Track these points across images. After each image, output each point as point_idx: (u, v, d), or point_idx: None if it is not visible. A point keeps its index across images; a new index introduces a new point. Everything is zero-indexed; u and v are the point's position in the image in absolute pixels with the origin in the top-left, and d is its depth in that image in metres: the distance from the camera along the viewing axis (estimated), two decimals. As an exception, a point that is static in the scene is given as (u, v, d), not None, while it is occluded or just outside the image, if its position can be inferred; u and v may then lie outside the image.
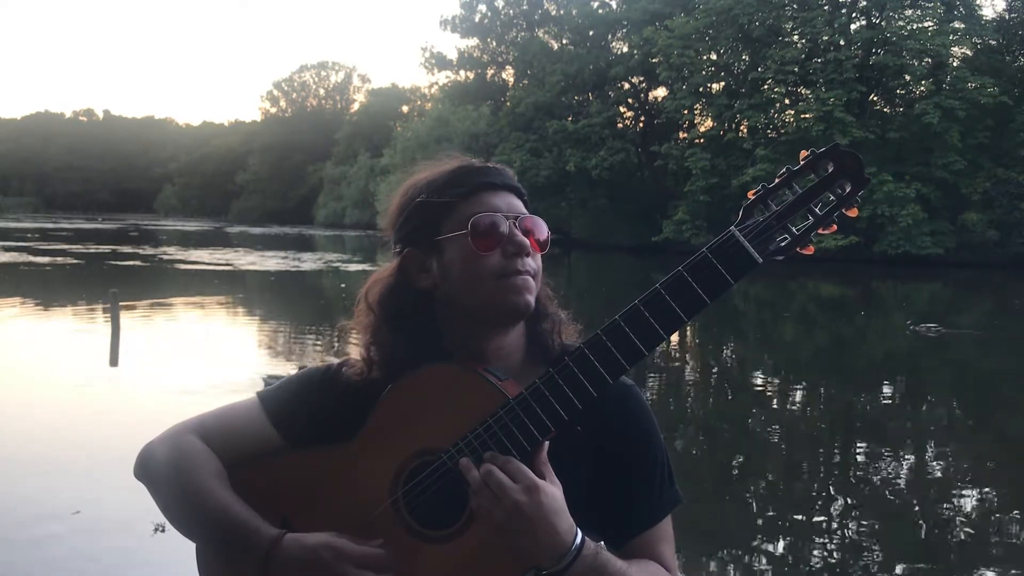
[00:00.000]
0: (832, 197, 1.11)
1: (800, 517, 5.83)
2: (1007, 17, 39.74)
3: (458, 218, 1.26)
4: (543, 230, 1.32)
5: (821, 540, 5.38)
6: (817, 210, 1.12)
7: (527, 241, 1.26)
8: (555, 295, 1.37)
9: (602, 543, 1.22)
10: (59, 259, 27.46)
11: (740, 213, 1.13)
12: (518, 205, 1.30)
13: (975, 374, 12.54)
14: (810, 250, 1.13)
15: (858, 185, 1.11)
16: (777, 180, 1.13)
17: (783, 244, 1.12)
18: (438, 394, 1.23)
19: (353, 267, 26.89)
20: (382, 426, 1.25)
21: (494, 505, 1.12)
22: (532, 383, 1.18)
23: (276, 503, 1.27)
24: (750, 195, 1.14)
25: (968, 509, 6.12)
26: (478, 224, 1.25)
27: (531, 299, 1.26)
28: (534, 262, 1.28)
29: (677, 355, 12.67)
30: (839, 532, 5.59)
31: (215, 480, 1.27)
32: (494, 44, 57.77)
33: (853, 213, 1.12)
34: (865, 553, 5.19)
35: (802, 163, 1.12)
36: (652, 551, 1.30)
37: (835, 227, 1.12)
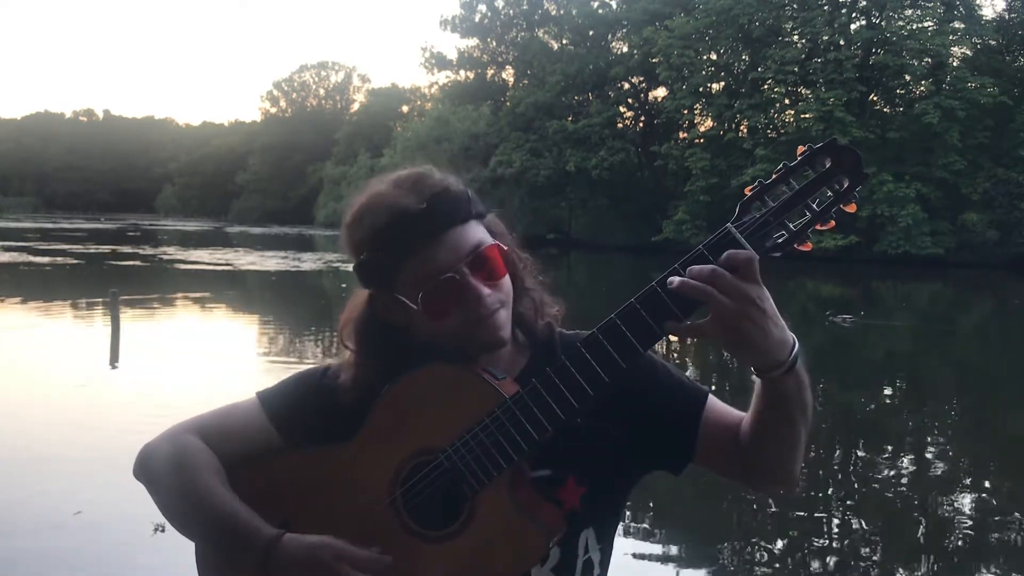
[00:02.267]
0: (830, 193, 1.10)
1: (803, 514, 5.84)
2: (1007, 17, 39.79)
3: (406, 282, 1.24)
4: (497, 255, 1.26)
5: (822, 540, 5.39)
6: (815, 206, 1.10)
7: (482, 290, 1.22)
8: (527, 261, 1.36)
9: None
10: (59, 259, 27.44)
11: (737, 209, 1.12)
12: (466, 238, 1.24)
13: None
14: (808, 246, 1.11)
15: (856, 180, 1.09)
16: (774, 176, 1.11)
17: (780, 240, 1.11)
18: (436, 393, 1.23)
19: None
20: (381, 426, 1.25)
21: (738, 298, 1.08)
22: (529, 383, 1.18)
23: (276, 503, 1.27)
24: (747, 191, 1.12)
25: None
26: (425, 302, 1.23)
27: (504, 332, 1.26)
28: (498, 292, 1.25)
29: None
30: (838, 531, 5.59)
31: (215, 479, 1.27)
32: (494, 44, 57.77)
33: (851, 209, 1.10)
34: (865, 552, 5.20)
35: (799, 158, 1.10)
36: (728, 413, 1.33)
37: (833, 223, 1.10)
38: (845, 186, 1.09)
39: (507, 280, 1.28)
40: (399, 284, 1.25)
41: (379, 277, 1.27)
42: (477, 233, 1.25)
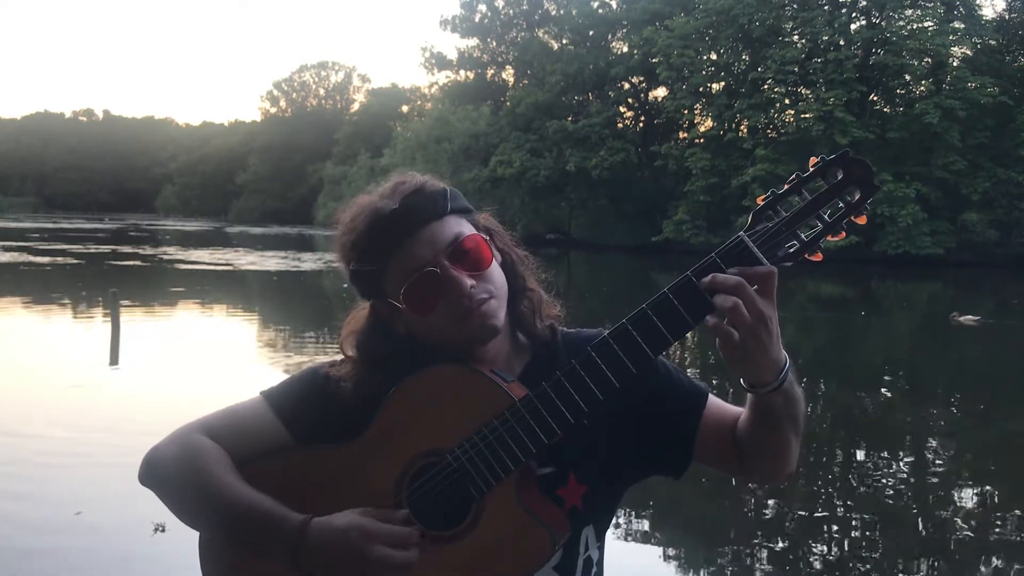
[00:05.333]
0: (841, 204, 1.11)
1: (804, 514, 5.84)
2: (1007, 17, 39.83)
3: (391, 285, 1.25)
4: (480, 243, 1.26)
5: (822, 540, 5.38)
6: (826, 217, 1.12)
7: (464, 281, 1.22)
8: (528, 260, 1.35)
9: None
10: (59, 259, 27.43)
11: (750, 218, 1.13)
12: (443, 231, 1.24)
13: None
14: (818, 257, 1.12)
15: (867, 192, 1.11)
16: (787, 186, 1.12)
17: (792, 250, 1.12)
18: (443, 394, 1.24)
19: (353, 267, 26.79)
20: (389, 425, 1.26)
21: (755, 316, 1.09)
22: (539, 386, 1.19)
23: (284, 502, 1.27)
24: (759, 201, 1.13)
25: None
26: (408, 297, 1.23)
27: (496, 320, 1.25)
28: (485, 282, 1.25)
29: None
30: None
31: (231, 474, 1.27)
32: (494, 44, 57.80)
33: (862, 220, 1.12)
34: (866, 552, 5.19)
35: (812, 170, 1.12)
36: (727, 411, 1.34)
37: (844, 234, 1.12)
38: (856, 198, 1.11)
39: (495, 270, 1.27)
40: (388, 289, 1.25)
41: (370, 285, 1.28)
42: (456, 226, 1.26)
